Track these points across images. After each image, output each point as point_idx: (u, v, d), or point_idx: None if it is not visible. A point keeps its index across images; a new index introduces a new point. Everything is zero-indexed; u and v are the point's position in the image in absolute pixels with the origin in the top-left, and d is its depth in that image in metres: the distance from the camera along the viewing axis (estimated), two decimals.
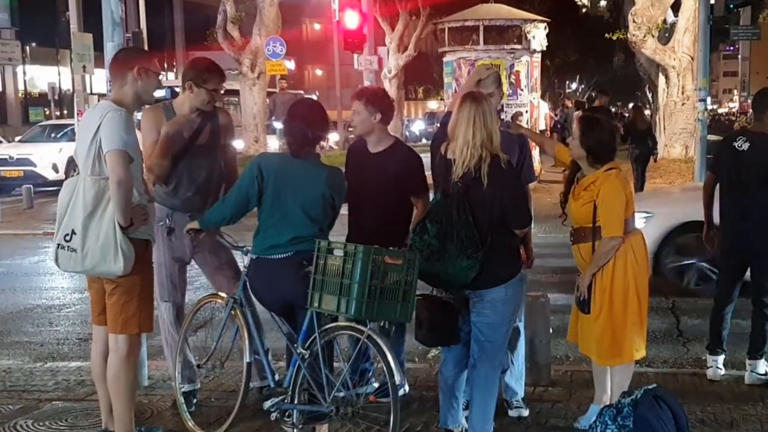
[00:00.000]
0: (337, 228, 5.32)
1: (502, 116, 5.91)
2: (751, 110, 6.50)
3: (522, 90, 19.06)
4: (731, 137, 6.42)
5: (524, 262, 5.27)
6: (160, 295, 5.81)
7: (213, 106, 5.77)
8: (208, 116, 5.75)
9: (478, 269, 4.66)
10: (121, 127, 4.78)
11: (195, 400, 5.85)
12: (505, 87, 17.83)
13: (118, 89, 5.00)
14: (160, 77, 5.37)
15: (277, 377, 5.27)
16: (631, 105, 22.46)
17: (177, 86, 36.36)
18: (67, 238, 4.87)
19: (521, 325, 5.71)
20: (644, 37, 24.33)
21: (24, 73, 43.22)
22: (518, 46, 19.09)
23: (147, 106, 5.59)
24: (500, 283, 4.80)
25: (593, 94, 62.76)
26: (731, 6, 17.35)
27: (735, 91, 77.31)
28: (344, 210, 5.50)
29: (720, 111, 64.41)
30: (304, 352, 4.86)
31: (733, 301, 6.41)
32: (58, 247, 4.93)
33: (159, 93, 6.26)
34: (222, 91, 5.96)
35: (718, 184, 6.37)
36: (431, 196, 5.20)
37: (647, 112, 53.43)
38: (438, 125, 6.20)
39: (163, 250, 5.77)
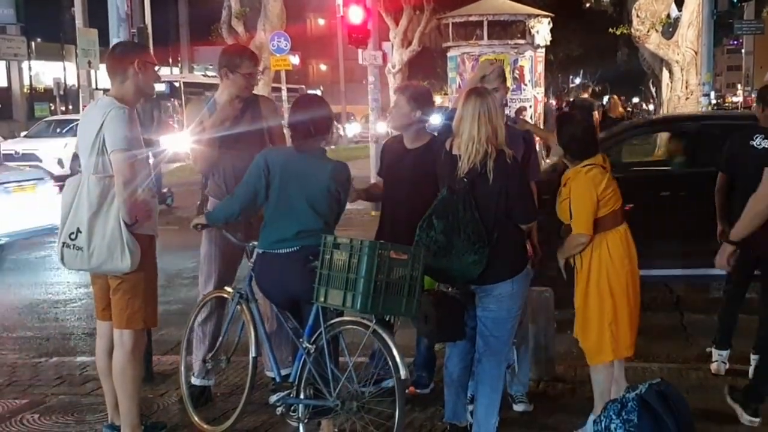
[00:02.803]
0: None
1: (506, 111, 5.91)
2: (755, 105, 6.37)
3: (526, 85, 19.05)
4: (746, 135, 6.24)
5: (530, 258, 5.27)
6: (205, 288, 5.84)
7: (251, 92, 5.80)
8: (248, 103, 5.78)
9: (484, 264, 4.67)
10: (124, 126, 4.79)
11: (204, 397, 5.87)
12: (509, 82, 17.84)
13: (119, 85, 5.01)
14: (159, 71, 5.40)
15: (283, 372, 5.28)
16: (606, 97, 22.67)
17: (176, 81, 36.55)
18: (73, 236, 4.88)
19: (526, 320, 5.73)
20: (648, 31, 24.29)
21: (29, 68, 43.31)
22: (522, 41, 19.08)
23: (191, 99, 5.63)
24: (507, 278, 4.81)
25: (596, 89, 62.77)
26: (735, 1, 17.36)
27: (739, 86, 77.12)
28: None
29: (725, 105, 64.12)
30: (309, 346, 4.87)
31: (744, 297, 6.40)
32: (63, 246, 4.94)
33: (158, 87, 6.28)
34: (258, 75, 5.99)
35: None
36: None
37: (651, 106, 53.41)
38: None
39: (214, 243, 5.78)
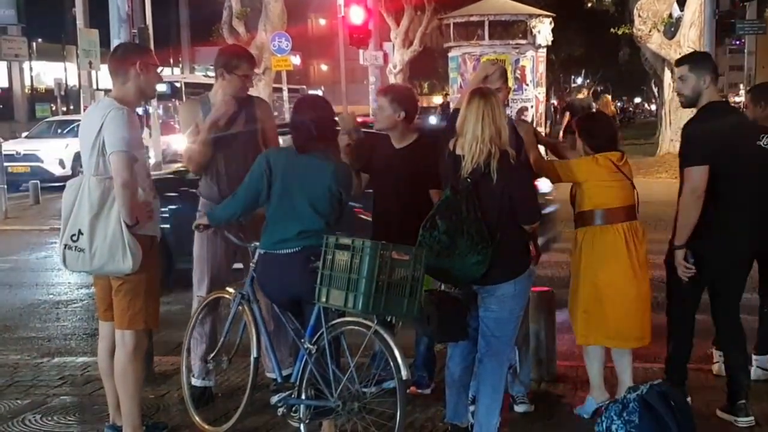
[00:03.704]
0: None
1: (507, 111, 5.92)
2: (751, 104, 6.34)
3: (527, 85, 19.00)
4: (750, 135, 6.25)
5: (532, 258, 5.27)
6: (199, 289, 5.84)
7: (247, 93, 5.80)
8: (244, 104, 5.78)
9: (487, 265, 4.67)
10: (123, 127, 4.79)
11: (205, 397, 5.87)
12: (511, 82, 17.83)
13: (121, 86, 5.02)
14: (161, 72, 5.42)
15: (284, 372, 5.28)
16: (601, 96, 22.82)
17: (177, 81, 36.53)
18: (74, 238, 4.89)
19: (527, 320, 5.74)
20: (650, 31, 24.33)
21: (30, 69, 43.31)
22: (523, 41, 19.01)
23: (185, 100, 5.66)
24: (510, 278, 4.81)
25: (598, 89, 62.56)
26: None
27: (741, 86, 77.15)
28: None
29: None
30: (311, 347, 4.88)
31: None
32: (65, 248, 4.95)
33: (160, 87, 6.32)
34: (254, 77, 5.99)
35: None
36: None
37: (653, 107, 53.25)
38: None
39: (207, 245, 5.79)
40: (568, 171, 5.49)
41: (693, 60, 5.65)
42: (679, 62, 5.69)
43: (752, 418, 5.47)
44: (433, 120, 32.97)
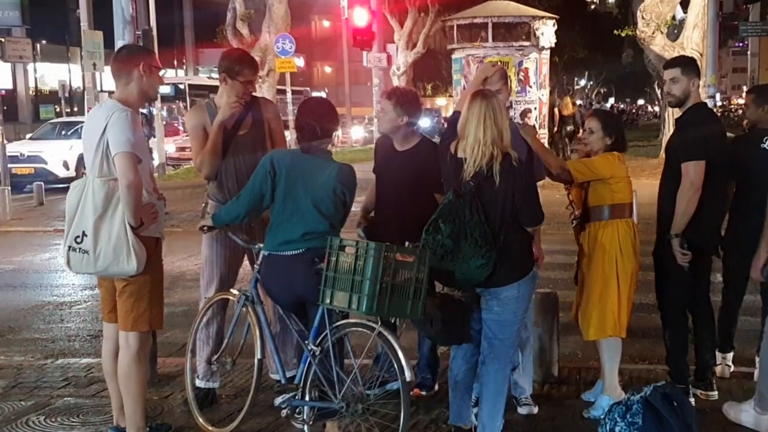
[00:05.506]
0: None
1: (511, 113, 5.96)
2: (753, 106, 6.36)
3: (531, 87, 19.05)
4: (755, 138, 6.27)
5: (536, 261, 5.27)
6: (206, 291, 5.85)
7: (250, 96, 5.82)
8: (249, 106, 5.79)
9: (491, 268, 4.66)
10: (127, 128, 4.79)
11: (208, 399, 5.89)
12: (514, 84, 17.84)
13: (123, 87, 5.02)
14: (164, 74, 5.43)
15: (288, 374, 5.29)
16: (612, 99, 22.95)
17: (181, 83, 36.62)
18: (78, 240, 4.89)
19: (530, 323, 5.74)
20: (653, 33, 24.30)
21: (35, 70, 43.40)
22: (527, 43, 19.09)
23: (189, 104, 5.65)
24: (513, 281, 4.80)
25: (601, 91, 62.45)
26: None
27: (744, 88, 77.10)
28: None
29: (730, 107, 64.19)
30: (315, 348, 4.88)
31: (742, 299, 6.41)
32: (69, 249, 4.95)
33: (163, 89, 6.31)
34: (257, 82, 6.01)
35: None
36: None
37: (656, 108, 52.99)
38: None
39: (216, 247, 5.80)
40: (594, 168, 5.56)
41: (684, 63, 5.91)
42: (671, 65, 5.91)
43: (716, 393, 5.92)
44: (426, 122, 33.11)
